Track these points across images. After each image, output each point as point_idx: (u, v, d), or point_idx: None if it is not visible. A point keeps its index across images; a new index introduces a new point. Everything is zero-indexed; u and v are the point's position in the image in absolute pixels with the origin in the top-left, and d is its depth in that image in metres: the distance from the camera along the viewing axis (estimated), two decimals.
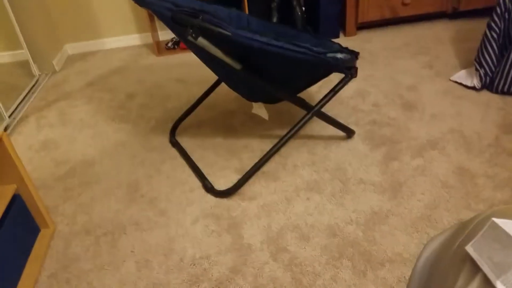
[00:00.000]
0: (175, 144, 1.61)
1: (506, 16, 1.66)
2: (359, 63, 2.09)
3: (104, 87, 2.16)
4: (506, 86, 1.70)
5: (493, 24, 1.70)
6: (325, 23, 2.35)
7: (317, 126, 1.64)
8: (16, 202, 1.17)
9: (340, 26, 2.41)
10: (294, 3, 2.30)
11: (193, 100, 1.86)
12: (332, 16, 2.33)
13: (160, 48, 2.51)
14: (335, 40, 2.38)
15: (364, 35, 2.40)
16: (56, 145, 1.71)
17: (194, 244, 1.17)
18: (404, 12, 2.32)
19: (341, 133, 1.58)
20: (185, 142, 1.62)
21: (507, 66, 1.66)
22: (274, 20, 2.38)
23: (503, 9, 1.67)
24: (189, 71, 2.22)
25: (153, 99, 1.98)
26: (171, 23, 1.24)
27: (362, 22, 2.36)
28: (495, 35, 1.70)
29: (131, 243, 1.20)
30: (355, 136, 1.56)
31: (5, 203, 1.08)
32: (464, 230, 0.49)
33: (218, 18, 1.16)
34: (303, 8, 2.36)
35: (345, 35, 2.41)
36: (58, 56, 2.49)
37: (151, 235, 1.22)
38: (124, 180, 1.46)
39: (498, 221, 0.43)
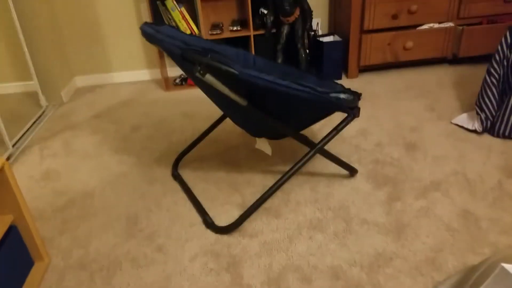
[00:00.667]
0: (177, 177, 1.60)
1: (505, 63, 1.71)
2: (361, 104, 2.13)
3: (110, 119, 2.19)
4: (507, 131, 1.71)
5: (492, 70, 1.75)
6: (329, 65, 2.43)
7: (320, 164, 1.64)
8: (12, 233, 1.15)
9: (342, 69, 2.48)
10: (299, 45, 2.39)
11: (197, 135, 1.87)
12: (335, 59, 2.41)
13: (168, 84, 2.57)
14: (338, 82, 2.44)
15: (366, 77, 2.47)
16: (58, 176, 1.71)
17: (191, 283, 1.13)
18: (405, 57, 2.40)
19: (344, 172, 1.57)
20: (187, 175, 1.62)
21: (507, 111, 1.69)
22: (279, 61, 2.46)
23: (501, 56, 1.72)
24: (196, 106, 2.26)
25: (158, 132, 2.00)
26: (180, 60, 1.28)
27: (364, 65, 2.43)
28: (494, 81, 1.74)
29: (127, 280, 1.16)
30: (358, 175, 1.55)
31: (0, 234, 1.06)
32: (472, 275, 0.47)
33: (226, 57, 1.20)
34: (307, 51, 2.45)
35: (347, 77, 2.48)
36: (67, 87, 2.55)
37: (147, 272, 1.18)
38: (123, 213, 1.44)
39: (508, 266, 0.42)
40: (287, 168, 1.62)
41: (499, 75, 1.73)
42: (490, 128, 1.76)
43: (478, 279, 0.46)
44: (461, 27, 2.33)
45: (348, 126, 1.92)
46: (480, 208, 1.33)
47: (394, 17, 2.30)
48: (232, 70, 1.14)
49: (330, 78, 2.46)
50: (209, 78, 1.21)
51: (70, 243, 1.32)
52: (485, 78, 1.77)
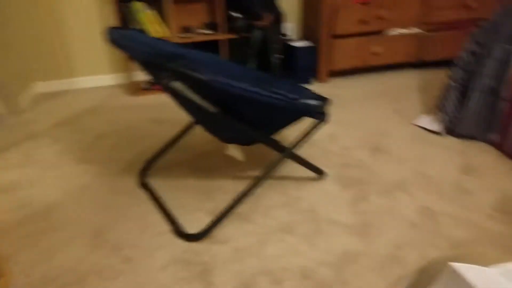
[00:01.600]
0: (145, 186, 1.57)
1: (465, 68, 1.81)
2: (331, 108, 2.18)
3: (74, 128, 2.11)
4: (465, 131, 1.80)
5: (453, 75, 1.84)
6: (300, 70, 2.47)
7: (290, 167, 1.65)
8: None
9: (314, 73, 2.53)
10: (271, 50, 2.41)
11: (167, 141, 1.84)
12: (307, 64, 2.45)
13: (135, 88, 2.51)
14: (309, 86, 2.48)
15: (336, 82, 2.53)
16: (18, 188, 1.63)
17: None
18: (374, 62, 2.48)
19: (313, 174, 1.60)
20: (156, 184, 1.59)
21: (465, 113, 1.78)
22: (251, 66, 2.47)
23: (462, 61, 1.82)
24: (164, 112, 2.23)
25: (125, 140, 1.95)
26: (147, 66, 1.26)
27: (334, 70, 2.49)
28: (455, 85, 1.84)
29: None
30: (326, 177, 1.58)
31: None
32: (421, 278, 0.49)
33: (195, 63, 1.19)
34: (280, 56, 2.47)
35: (318, 81, 2.53)
36: (26, 94, 2.44)
37: (115, 284, 1.15)
38: (88, 225, 1.38)
39: (455, 266, 0.44)
40: (257, 172, 1.63)
41: (459, 79, 1.83)
42: (450, 129, 1.85)
43: (426, 280, 0.48)
44: (426, 33, 2.44)
45: (317, 130, 1.96)
46: (439, 205, 1.40)
47: (363, 22, 2.37)
48: (200, 76, 1.14)
49: (302, 82, 2.50)
50: (177, 84, 1.20)
51: (32, 258, 1.25)
52: (447, 82, 1.86)
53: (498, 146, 1.72)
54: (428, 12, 2.40)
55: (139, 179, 1.62)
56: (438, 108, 1.89)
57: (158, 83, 1.40)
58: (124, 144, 1.91)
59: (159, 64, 1.18)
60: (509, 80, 1.63)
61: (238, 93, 1.15)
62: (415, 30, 2.44)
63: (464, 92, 1.82)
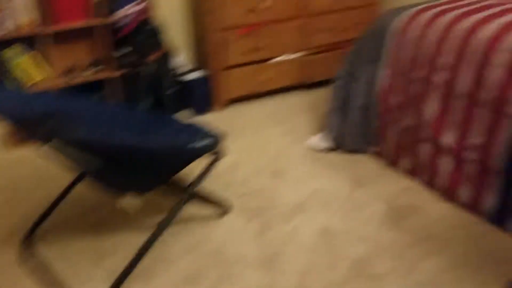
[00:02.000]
0: (29, 258, 1.39)
1: (342, 88, 2.01)
2: (230, 137, 2.22)
3: None
4: (350, 146, 1.99)
5: (334, 94, 2.03)
6: (196, 101, 2.48)
7: (193, 207, 1.63)
8: None
9: (210, 103, 2.56)
10: (164, 85, 2.37)
11: (53, 198, 1.67)
12: (202, 94, 2.47)
13: (12, 139, 2.23)
14: (206, 116, 2.50)
15: (233, 109, 2.59)
16: None
17: None
18: (266, 87, 2.62)
19: (218, 210, 1.60)
20: (44, 251, 1.41)
21: (348, 130, 1.97)
22: (144, 103, 2.39)
23: (340, 82, 2.01)
24: (47, 162, 2.02)
25: (4, 202, 1.71)
26: (17, 128, 1.13)
27: (230, 98, 2.55)
28: (337, 103, 2.02)
29: None
30: (232, 210, 1.59)
31: None
32: None
33: (68, 121, 1.11)
34: (173, 89, 2.44)
35: (215, 110, 2.56)
36: None
37: None
38: None
39: None
40: (159, 218, 1.56)
41: (340, 97, 2.02)
42: (339, 145, 2.02)
43: None
44: (308, 56, 2.65)
45: (216, 166, 1.97)
46: (336, 223, 1.51)
47: (251, 52, 2.49)
48: (74, 136, 1.06)
49: (199, 112, 2.51)
50: (52, 145, 1.10)
51: None
52: (329, 101, 2.04)
53: (379, 156, 1.93)
54: (306, 37, 2.62)
55: (22, 249, 1.43)
56: (325, 126, 2.06)
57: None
58: (3, 208, 1.67)
59: (28, 127, 1.07)
60: (376, 98, 1.86)
61: (120, 147, 1.10)
62: (298, 55, 2.64)
63: (345, 110, 2.01)
